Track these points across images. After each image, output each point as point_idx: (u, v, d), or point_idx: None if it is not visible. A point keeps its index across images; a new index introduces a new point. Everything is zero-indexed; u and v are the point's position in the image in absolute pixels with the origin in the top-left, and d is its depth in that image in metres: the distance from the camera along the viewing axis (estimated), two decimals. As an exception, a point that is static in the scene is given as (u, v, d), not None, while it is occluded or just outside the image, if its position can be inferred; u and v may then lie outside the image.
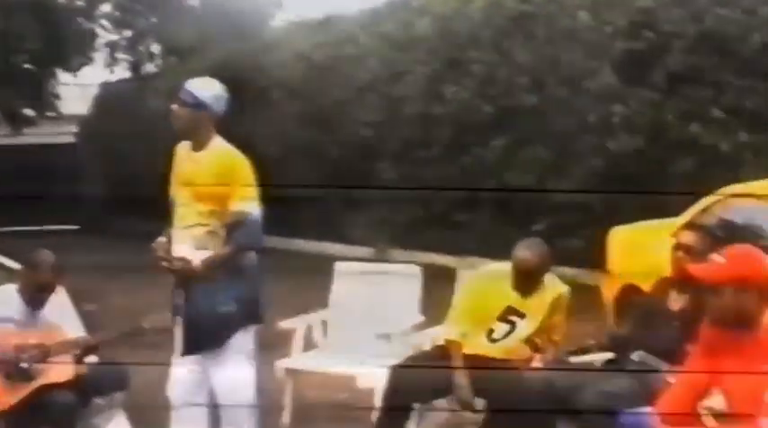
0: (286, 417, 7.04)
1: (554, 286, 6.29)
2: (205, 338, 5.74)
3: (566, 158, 12.46)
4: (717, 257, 4.58)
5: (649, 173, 11.61)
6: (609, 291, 8.68)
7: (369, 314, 7.38)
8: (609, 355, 5.99)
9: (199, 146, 5.77)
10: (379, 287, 7.53)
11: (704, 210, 7.81)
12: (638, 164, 11.67)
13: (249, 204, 5.66)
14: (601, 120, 12.05)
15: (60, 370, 6.02)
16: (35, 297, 6.22)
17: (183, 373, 5.81)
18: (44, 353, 6.01)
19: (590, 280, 9.86)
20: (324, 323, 7.51)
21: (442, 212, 13.62)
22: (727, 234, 6.55)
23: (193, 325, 5.74)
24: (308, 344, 7.36)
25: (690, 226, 6.71)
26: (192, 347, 5.77)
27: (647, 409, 4.81)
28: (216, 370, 5.74)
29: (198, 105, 5.70)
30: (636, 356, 5.71)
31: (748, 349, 4.48)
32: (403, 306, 7.36)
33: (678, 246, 5.74)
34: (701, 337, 4.77)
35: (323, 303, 7.58)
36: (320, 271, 8.03)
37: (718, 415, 4.79)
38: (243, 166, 5.70)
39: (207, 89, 5.79)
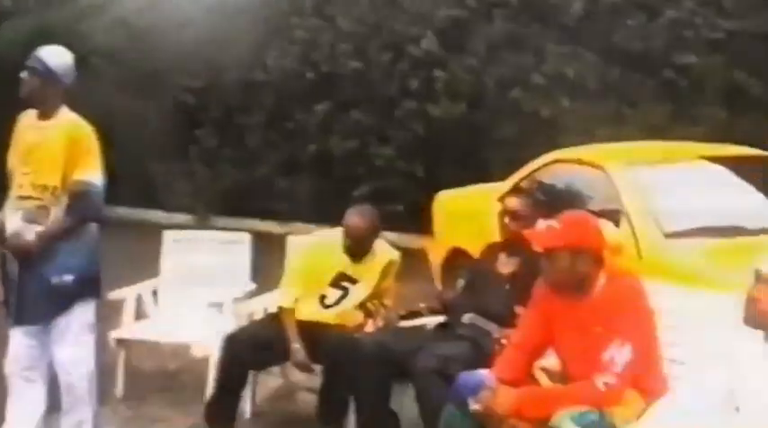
0: (119, 388, 6.95)
1: (385, 251, 6.35)
2: (40, 310, 5.59)
3: (388, 123, 12.55)
4: (553, 222, 4.70)
5: (471, 139, 11.80)
6: (436, 256, 8.83)
7: (199, 282, 7.33)
8: (440, 318, 6.10)
9: (46, 115, 5.63)
10: (208, 255, 7.49)
11: (528, 176, 7.99)
12: (460, 130, 11.85)
13: (94, 175, 5.55)
14: (423, 86, 12.19)
15: None
16: None
17: (20, 346, 5.64)
18: None
19: (414, 244, 9.98)
20: (154, 292, 7.42)
21: (264, 178, 13.58)
22: (550, 198, 6.71)
23: (28, 296, 5.57)
24: (140, 314, 7.25)
25: (515, 191, 6.86)
26: (25, 318, 5.61)
27: (483, 371, 4.90)
28: (55, 343, 5.61)
29: (49, 74, 5.56)
30: (467, 319, 5.79)
31: (582, 311, 4.62)
32: (233, 273, 7.33)
33: (505, 212, 5.86)
34: (535, 300, 4.91)
35: (153, 272, 7.48)
36: (148, 239, 7.94)
37: (552, 374, 4.98)
38: (90, 137, 5.58)
39: (58, 58, 5.65)
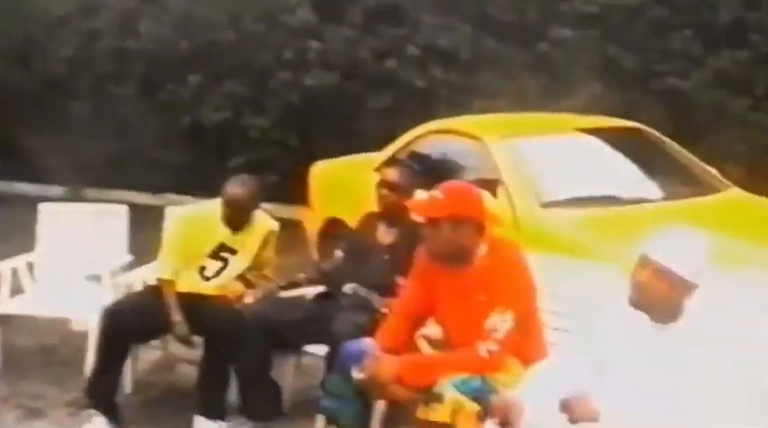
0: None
1: (264, 221, 6.35)
2: None
3: (262, 94, 12.50)
4: (435, 192, 4.75)
5: (346, 109, 11.83)
6: (312, 226, 8.85)
7: (76, 255, 7.23)
8: (319, 288, 6.13)
9: None
10: (85, 227, 7.38)
11: (404, 146, 8.05)
12: (335, 100, 11.87)
13: None
14: (297, 56, 12.17)
15: None
16: None
17: None
18: None
19: (291, 215, 9.98)
20: (30, 265, 7.29)
21: (138, 149, 13.42)
22: (427, 169, 6.76)
23: None
24: (16, 289, 7.11)
25: (392, 162, 6.93)
26: None
27: (366, 340, 4.95)
28: None
29: None
30: (348, 288, 5.83)
31: (464, 280, 4.69)
32: (110, 246, 7.25)
33: (382, 183, 5.90)
34: (416, 270, 4.97)
35: (29, 246, 7.36)
36: (22, 213, 7.80)
37: (434, 343, 5.05)
38: None
39: None
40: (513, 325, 4.51)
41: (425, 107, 9.87)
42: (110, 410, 5.94)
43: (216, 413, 5.90)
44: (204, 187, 6.28)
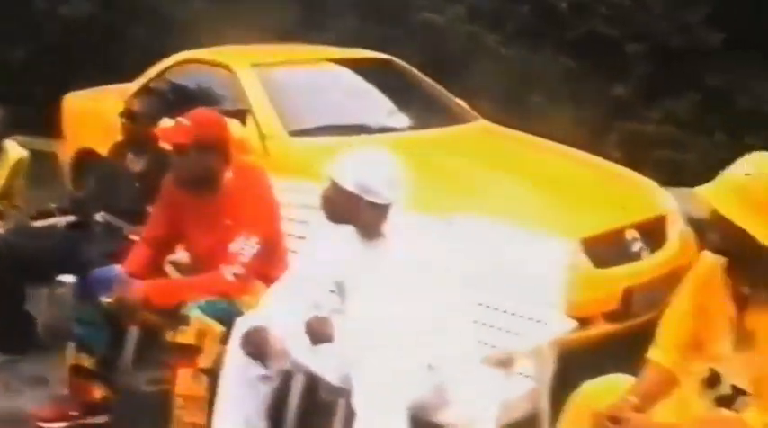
0: None
1: (13, 151, 6.29)
2: None
3: (18, 24, 12.17)
4: (180, 120, 4.80)
5: (104, 40, 11.66)
6: (65, 156, 8.73)
7: None
8: (71, 218, 6.11)
9: None
10: None
11: (157, 76, 8.02)
12: (92, 30, 11.67)
13: None
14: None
15: None
16: None
17: None
18: None
19: (45, 147, 9.79)
20: None
21: None
22: (178, 98, 6.78)
23: None
24: None
25: (142, 91, 6.93)
26: None
27: (115, 266, 5.00)
28: None
29: None
30: (99, 217, 5.83)
31: (210, 206, 4.79)
32: None
33: (123, 113, 5.90)
34: (163, 196, 5.04)
35: None
36: None
37: (182, 268, 5.14)
38: None
39: None
40: (258, 249, 4.64)
41: (183, 38, 9.77)
42: None
43: (-35, 345, 5.83)
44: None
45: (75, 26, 11.70)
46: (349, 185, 3.98)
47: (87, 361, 4.95)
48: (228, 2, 11.34)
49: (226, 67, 7.38)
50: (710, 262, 3.38)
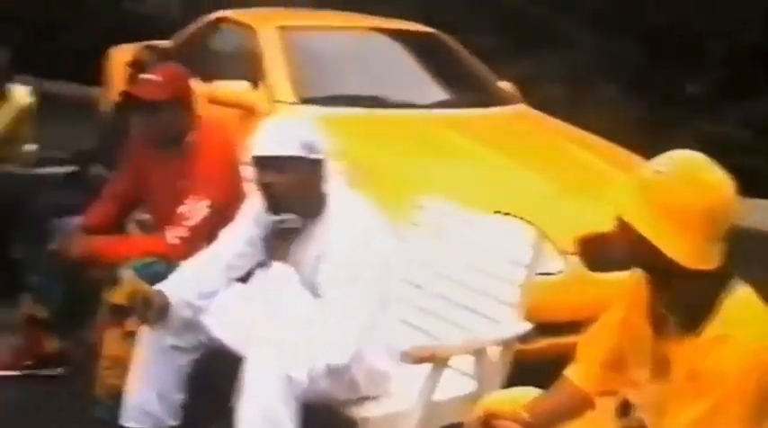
0: None
1: (19, 96, 6.27)
2: None
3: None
4: (154, 76, 4.69)
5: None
6: (106, 104, 8.67)
7: None
8: (72, 168, 6.06)
9: None
10: None
11: (194, 33, 8.01)
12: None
13: None
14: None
15: None
16: None
17: None
18: None
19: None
20: None
21: None
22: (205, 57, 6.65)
23: None
24: None
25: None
26: None
27: (79, 217, 4.92)
28: None
29: None
30: (94, 170, 5.80)
31: (172, 165, 4.66)
32: None
33: (132, 62, 5.87)
34: (129, 152, 4.94)
35: None
36: None
37: (141, 226, 5.04)
38: None
39: None
40: (209, 213, 4.49)
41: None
42: None
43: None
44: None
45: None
46: (291, 149, 3.72)
47: (41, 312, 4.89)
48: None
49: (251, 29, 7.25)
50: (639, 274, 2.93)
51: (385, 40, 7.60)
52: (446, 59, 7.63)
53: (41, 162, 6.26)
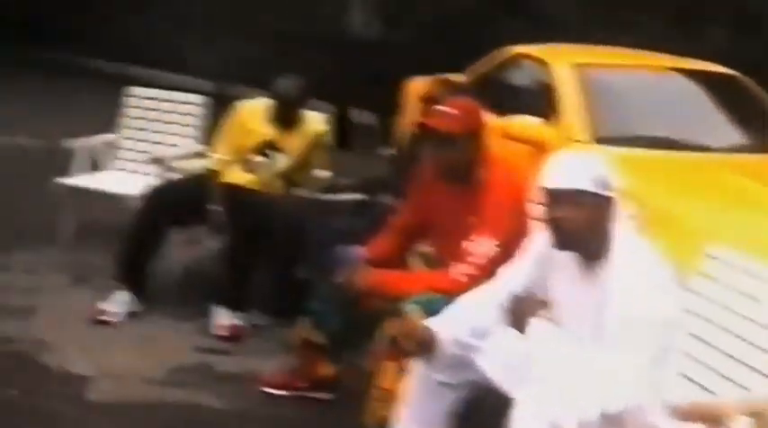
0: (65, 235, 7.15)
1: (314, 123, 6.39)
2: None
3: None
4: (448, 109, 4.67)
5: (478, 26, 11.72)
6: (402, 132, 8.75)
7: (151, 139, 7.46)
8: (360, 197, 6.12)
9: None
10: (164, 113, 7.54)
11: (490, 67, 7.96)
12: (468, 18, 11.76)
13: None
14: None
15: None
16: None
17: None
18: None
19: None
20: (109, 144, 7.53)
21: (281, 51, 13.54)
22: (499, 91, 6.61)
23: None
24: (95, 165, 7.43)
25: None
26: None
27: (359, 248, 4.95)
28: None
29: None
30: (382, 199, 5.84)
31: (460, 199, 4.61)
32: (183, 133, 7.40)
33: (425, 97, 5.84)
34: (418, 184, 4.91)
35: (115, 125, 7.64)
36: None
37: (424, 259, 5.01)
38: None
39: None
40: (495, 251, 4.42)
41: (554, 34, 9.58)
42: (135, 286, 6.10)
43: (235, 304, 5.97)
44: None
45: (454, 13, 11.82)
46: (583, 183, 3.54)
47: (318, 337, 4.94)
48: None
49: (547, 65, 7.17)
50: None
51: (683, 81, 7.37)
52: (745, 103, 7.33)
53: (332, 188, 6.35)
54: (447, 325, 3.88)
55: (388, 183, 6.04)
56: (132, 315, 6.04)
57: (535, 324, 3.66)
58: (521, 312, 3.70)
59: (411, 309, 4.16)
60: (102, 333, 5.84)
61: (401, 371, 4.25)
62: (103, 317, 5.96)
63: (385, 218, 5.45)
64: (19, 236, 7.38)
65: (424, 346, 3.86)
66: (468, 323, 3.87)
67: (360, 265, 4.74)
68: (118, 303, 6.04)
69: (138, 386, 5.20)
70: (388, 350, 4.26)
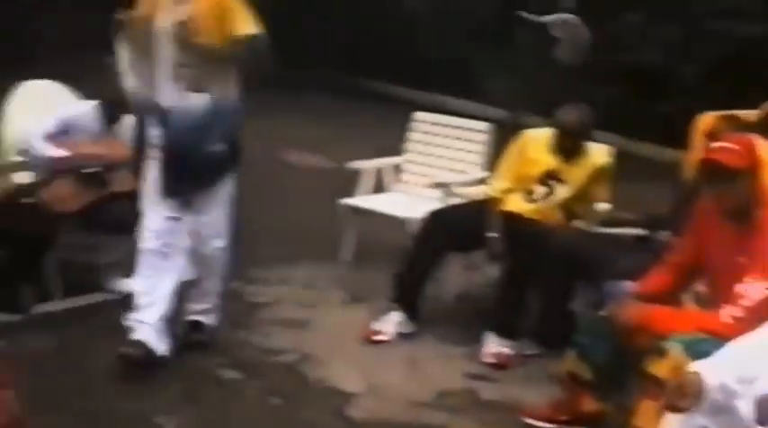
0: (346, 253, 7.44)
1: (597, 155, 6.33)
2: (193, 181, 5.54)
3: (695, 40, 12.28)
4: (727, 144, 4.55)
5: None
6: (689, 169, 8.54)
7: (436, 164, 7.60)
8: (640, 232, 6.03)
9: None
10: (449, 139, 7.65)
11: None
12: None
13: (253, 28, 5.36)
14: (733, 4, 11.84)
15: (123, 182, 6.26)
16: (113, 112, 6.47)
17: (162, 221, 5.54)
18: (110, 164, 6.34)
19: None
20: (395, 168, 7.73)
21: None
22: None
23: (179, 168, 5.46)
24: (380, 187, 7.66)
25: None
26: (174, 190, 5.52)
27: (631, 283, 4.87)
28: (197, 215, 5.61)
29: None
30: (662, 236, 5.73)
31: (735, 239, 4.48)
32: (468, 159, 7.49)
33: (707, 133, 5.71)
34: (696, 223, 4.79)
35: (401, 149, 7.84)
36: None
37: (697, 298, 4.88)
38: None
39: None
40: (767, 295, 4.26)
41: None
42: (409, 308, 6.21)
43: (507, 332, 5.99)
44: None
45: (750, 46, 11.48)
46: None
47: (584, 371, 4.88)
48: None
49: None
50: None
51: None
52: None
53: (612, 222, 6.27)
54: (715, 370, 3.74)
55: (670, 220, 5.91)
56: (404, 336, 6.16)
57: None
58: None
59: (675, 349, 4.09)
60: (373, 351, 6.00)
61: (661, 412, 4.13)
62: (376, 337, 6.10)
63: (662, 255, 5.37)
64: (303, 252, 7.68)
65: (694, 400, 3.73)
66: (736, 368, 3.73)
67: (629, 299, 4.66)
68: (391, 323, 6.17)
69: (400, 405, 5.30)
70: (650, 388, 4.19)
